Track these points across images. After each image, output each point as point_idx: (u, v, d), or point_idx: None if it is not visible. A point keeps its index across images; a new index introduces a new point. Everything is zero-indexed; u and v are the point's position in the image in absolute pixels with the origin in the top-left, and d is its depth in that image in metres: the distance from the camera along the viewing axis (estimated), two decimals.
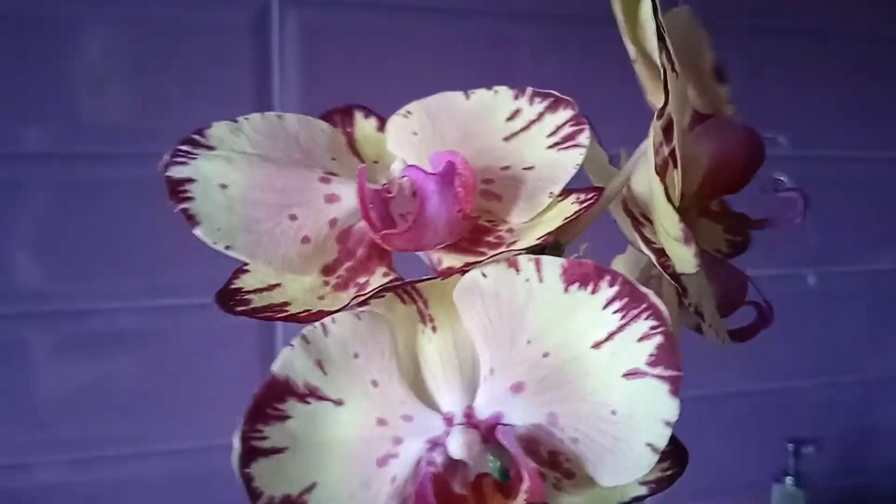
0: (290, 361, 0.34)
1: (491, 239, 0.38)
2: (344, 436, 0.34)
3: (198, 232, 0.37)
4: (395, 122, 0.44)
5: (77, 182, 0.80)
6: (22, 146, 0.79)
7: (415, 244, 0.37)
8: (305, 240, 0.38)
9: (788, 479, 1.05)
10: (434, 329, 0.37)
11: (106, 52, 0.80)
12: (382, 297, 0.36)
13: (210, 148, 0.39)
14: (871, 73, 1.06)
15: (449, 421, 0.35)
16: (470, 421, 0.35)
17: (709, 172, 0.39)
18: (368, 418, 0.35)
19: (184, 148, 0.39)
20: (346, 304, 0.37)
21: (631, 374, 0.33)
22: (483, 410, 0.35)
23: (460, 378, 0.36)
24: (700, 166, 0.39)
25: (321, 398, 0.34)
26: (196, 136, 0.40)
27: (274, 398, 0.33)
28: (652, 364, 0.33)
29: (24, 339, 0.81)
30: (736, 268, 0.44)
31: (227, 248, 0.37)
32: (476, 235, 0.39)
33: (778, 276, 1.08)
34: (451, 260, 0.38)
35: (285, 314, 0.37)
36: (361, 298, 0.36)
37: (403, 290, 0.36)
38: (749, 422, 1.10)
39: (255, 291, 0.38)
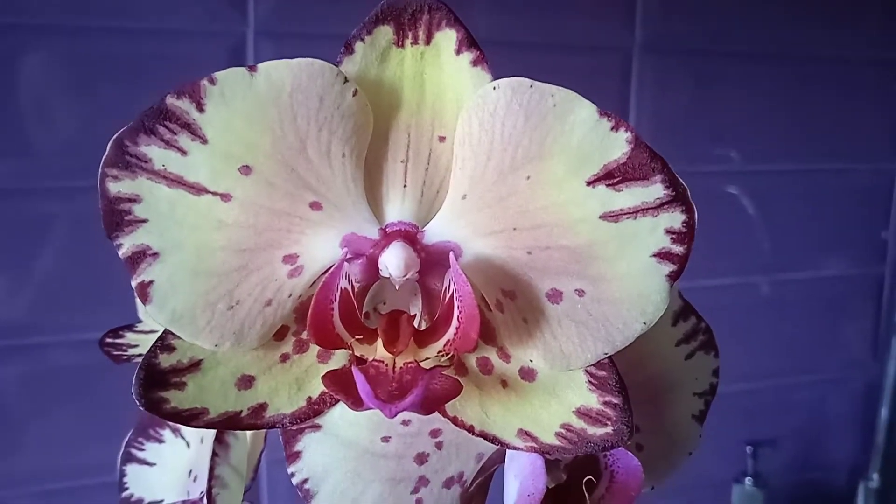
0: None
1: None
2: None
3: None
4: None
5: (35, 216, 0.80)
6: None
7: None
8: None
9: (748, 480, 1.10)
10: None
11: (51, 83, 0.78)
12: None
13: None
14: (816, 91, 1.12)
15: (387, 233, 0.30)
16: (414, 243, 0.30)
17: None
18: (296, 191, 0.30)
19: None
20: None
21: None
22: (434, 236, 0.30)
23: (421, 192, 0.31)
24: None
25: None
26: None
27: None
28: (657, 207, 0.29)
29: None
30: None
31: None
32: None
33: (733, 285, 1.13)
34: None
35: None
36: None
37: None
38: (709, 424, 1.14)
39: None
